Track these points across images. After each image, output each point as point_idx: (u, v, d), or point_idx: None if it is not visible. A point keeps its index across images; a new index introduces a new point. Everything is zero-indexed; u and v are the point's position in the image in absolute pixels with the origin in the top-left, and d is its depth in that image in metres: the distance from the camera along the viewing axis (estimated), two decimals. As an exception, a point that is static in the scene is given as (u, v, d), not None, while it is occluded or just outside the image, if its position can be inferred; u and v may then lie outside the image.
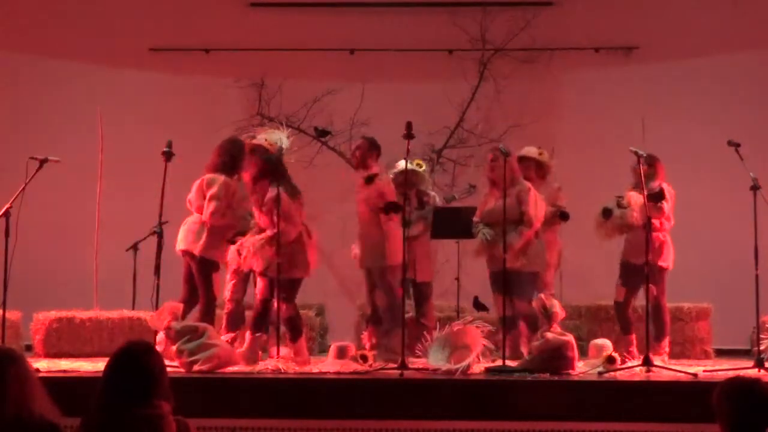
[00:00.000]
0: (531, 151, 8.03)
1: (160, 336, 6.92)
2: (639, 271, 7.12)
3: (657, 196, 7.39)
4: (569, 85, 10.52)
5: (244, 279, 7.61)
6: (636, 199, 7.40)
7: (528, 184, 7.55)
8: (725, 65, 10.17)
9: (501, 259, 7.02)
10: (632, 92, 10.25)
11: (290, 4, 10.86)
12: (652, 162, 7.54)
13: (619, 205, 7.55)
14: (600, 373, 6.46)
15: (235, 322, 7.64)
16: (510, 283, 7.17)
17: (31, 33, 10.37)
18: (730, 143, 7.12)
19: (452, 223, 7.86)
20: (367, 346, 7.69)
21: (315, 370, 6.62)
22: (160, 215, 7.19)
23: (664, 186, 7.47)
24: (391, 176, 7.96)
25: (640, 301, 7.75)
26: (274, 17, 10.68)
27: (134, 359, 3.54)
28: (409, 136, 6.91)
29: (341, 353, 7.11)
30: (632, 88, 10.28)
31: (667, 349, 7.63)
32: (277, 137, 7.72)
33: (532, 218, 7.43)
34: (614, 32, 10.41)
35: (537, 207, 7.49)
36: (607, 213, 7.59)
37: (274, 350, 7.05)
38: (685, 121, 10.06)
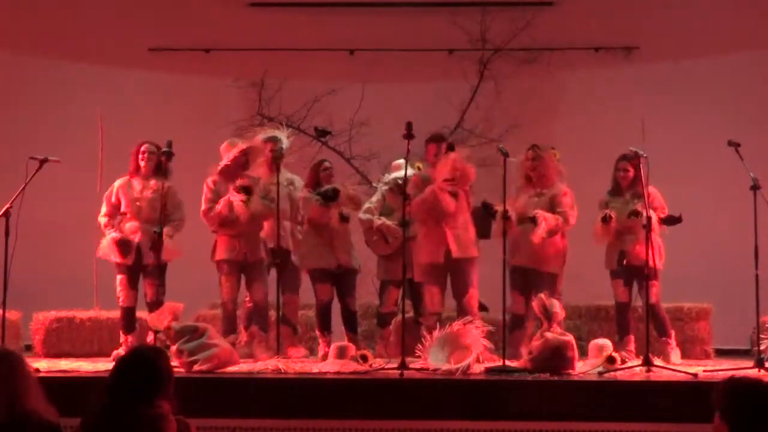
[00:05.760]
0: None
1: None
2: (640, 272, 7.16)
3: (673, 221, 7.44)
4: (569, 85, 10.52)
5: (237, 279, 7.66)
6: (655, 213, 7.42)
7: (564, 187, 7.56)
8: (725, 65, 10.15)
9: (525, 254, 7.14)
10: (632, 92, 10.24)
11: (290, 4, 10.85)
12: (636, 164, 7.42)
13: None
14: (600, 373, 6.45)
15: (232, 324, 7.67)
16: (532, 281, 7.36)
17: (30, 33, 10.36)
18: (730, 143, 7.11)
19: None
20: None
21: (315, 370, 6.62)
22: (161, 215, 7.20)
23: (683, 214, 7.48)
24: (390, 179, 7.95)
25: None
26: (274, 17, 10.67)
27: (148, 362, 3.60)
28: (409, 136, 6.91)
29: (341, 353, 7.11)
30: (632, 88, 10.27)
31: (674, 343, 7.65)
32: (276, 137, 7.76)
33: (568, 215, 7.43)
34: (614, 32, 10.40)
35: (574, 208, 7.51)
36: (607, 219, 7.59)
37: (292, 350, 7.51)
38: (685, 121, 10.05)
